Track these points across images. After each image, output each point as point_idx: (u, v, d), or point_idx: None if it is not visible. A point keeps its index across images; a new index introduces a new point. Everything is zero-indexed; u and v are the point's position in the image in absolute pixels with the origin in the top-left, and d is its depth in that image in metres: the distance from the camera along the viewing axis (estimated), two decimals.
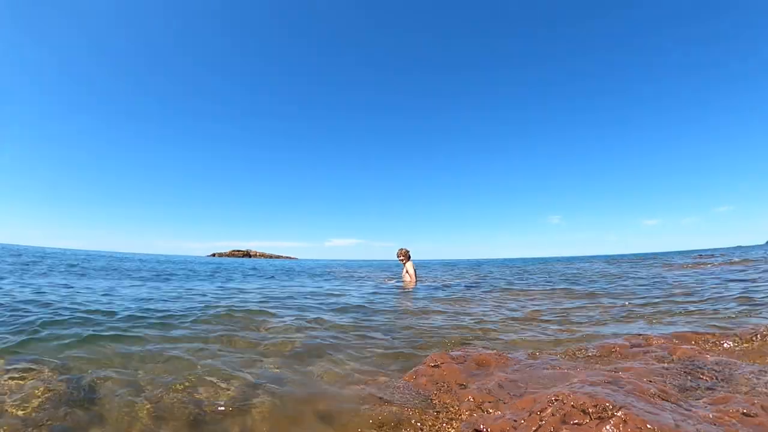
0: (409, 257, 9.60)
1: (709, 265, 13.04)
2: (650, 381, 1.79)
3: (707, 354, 2.45)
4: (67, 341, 3.07)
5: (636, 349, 2.52)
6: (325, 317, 4.42)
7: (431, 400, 1.95)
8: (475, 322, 4.16)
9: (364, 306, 5.43)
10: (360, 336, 3.58)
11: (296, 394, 2.15)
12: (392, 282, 10.33)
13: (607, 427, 1.22)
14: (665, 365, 2.19)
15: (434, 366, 2.23)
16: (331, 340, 3.41)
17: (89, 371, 2.46)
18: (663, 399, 1.54)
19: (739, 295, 5.22)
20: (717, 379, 2.23)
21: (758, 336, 3.01)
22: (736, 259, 15.21)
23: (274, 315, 4.51)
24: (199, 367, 2.58)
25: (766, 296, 5.06)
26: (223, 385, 2.27)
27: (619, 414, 1.26)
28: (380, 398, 2.00)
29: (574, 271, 14.65)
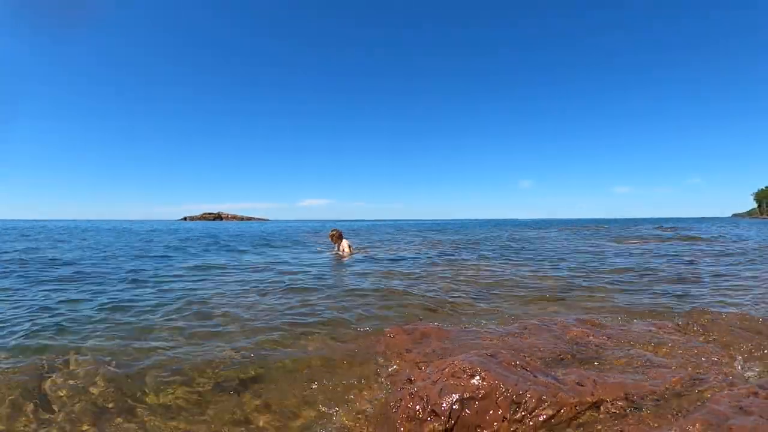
0: (341, 237, 10.04)
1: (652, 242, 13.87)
2: (525, 356, 2.95)
3: (592, 336, 3.59)
4: None
5: (543, 328, 3.67)
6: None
7: (385, 357, 3.19)
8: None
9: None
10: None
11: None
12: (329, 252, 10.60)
13: (473, 380, 2.40)
14: (555, 342, 3.34)
15: (391, 336, 3.46)
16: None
17: None
18: (522, 368, 2.70)
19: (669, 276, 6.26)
20: (589, 356, 3.37)
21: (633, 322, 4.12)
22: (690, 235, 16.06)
23: None
24: None
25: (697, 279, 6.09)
26: None
27: (482, 374, 2.43)
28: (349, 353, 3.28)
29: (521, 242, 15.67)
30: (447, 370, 2.48)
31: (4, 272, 7.05)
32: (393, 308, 4.65)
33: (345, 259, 9.58)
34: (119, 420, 2.43)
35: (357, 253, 10.49)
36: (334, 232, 10.21)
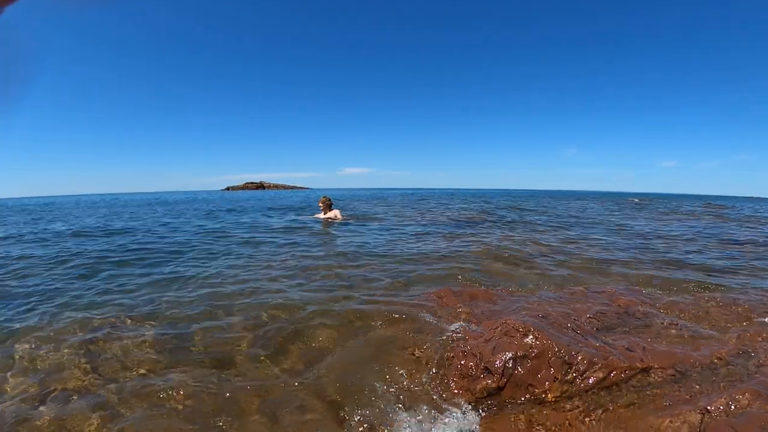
0: (331, 206, 10.85)
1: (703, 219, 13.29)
2: (574, 319, 2.93)
3: (639, 306, 3.53)
4: None
5: (591, 295, 3.63)
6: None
7: (435, 315, 3.23)
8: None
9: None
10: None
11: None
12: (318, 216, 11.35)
13: (527, 339, 2.40)
14: (603, 309, 3.30)
15: (440, 297, 3.49)
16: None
17: None
18: (573, 330, 2.69)
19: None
20: (636, 324, 3.33)
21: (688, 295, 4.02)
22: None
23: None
24: None
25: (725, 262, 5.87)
26: None
27: (535, 333, 2.43)
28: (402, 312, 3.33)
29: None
30: (499, 328, 2.49)
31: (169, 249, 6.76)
32: (440, 271, 4.74)
33: (335, 223, 10.50)
34: None
35: (347, 219, 11.27)
36: (325, 200, 10.93)
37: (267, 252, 6.27)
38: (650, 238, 8.17)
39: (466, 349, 2.41)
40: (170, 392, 2.34)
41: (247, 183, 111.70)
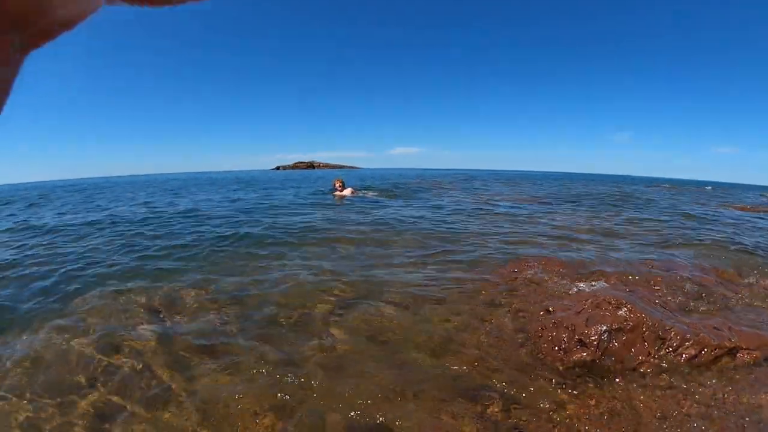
0: (344, 185, 12.59)
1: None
2: (661, 295, 2.83)
3: (719, 286, 3.39)
4: None
5: (668, 273, 3.51)
6: None
7: (511, 287, 3.17)
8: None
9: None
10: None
11: None
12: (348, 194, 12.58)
13: (620, 311, 2.33)
14: (682, 287, 3.19)
15: (516, 270, 3.43)
16: None
17: None
18: (661, 306, 2.60)
19: None
20: (716, 305, 3.20)
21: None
22: None
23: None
24: None
25: None
26: None
27: (628, 306, 2.35)
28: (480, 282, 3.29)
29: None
30: (590, 300, 2.42)
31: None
32: (511, 245, 4.74)
33: (344, 198, 11.80)
34: None
35: (359, 193, 12.75)
36: (341, 181, 12.84)
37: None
38: (717, 224, 7.78)
39: (557, 321, 2.35)
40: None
41: (298, 162, 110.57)
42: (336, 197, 12.00)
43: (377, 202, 11.03)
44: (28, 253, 5.10)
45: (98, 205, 11.32)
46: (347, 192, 12.30)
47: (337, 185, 12.65)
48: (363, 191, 13.46)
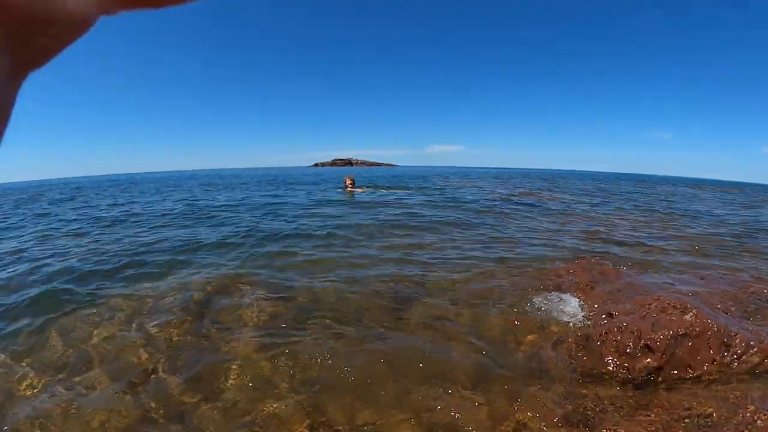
0: (354, 183, 14.41)
1: None
2: (721, 301, 2.78)
3: None
4: None
5: (721, 280, 3.45)
6: None
7: (561, 290, 3.13)
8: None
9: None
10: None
11: None
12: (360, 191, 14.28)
13: (686, 316, 2.28)
14: (735, 294, 3.13)
15: (569, 272, 3.39)
16: None
17: None
18: (723, 311, 2.55)
19: None
20: None
21: None
22: None
23: None
24: None
25: None
26: None
27: (693, 311, 2.30)
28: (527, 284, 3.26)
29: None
30: (654, 305, 2.38)
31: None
32: (554, 248, 4.71)
33: (355, 193, 13.53)
34: None
35: (366, 190, 14.35)
36: (351, 178, 14.61)
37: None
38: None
39: (622, 326, 2.31)
40: None
41: (336, 159, 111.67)
42: (348, 193, 13.78)
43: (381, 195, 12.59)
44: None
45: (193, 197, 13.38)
46: (358, 189, 14.17)
47: (348, 183, 14.37)
48: (366, 187, 15.15)
